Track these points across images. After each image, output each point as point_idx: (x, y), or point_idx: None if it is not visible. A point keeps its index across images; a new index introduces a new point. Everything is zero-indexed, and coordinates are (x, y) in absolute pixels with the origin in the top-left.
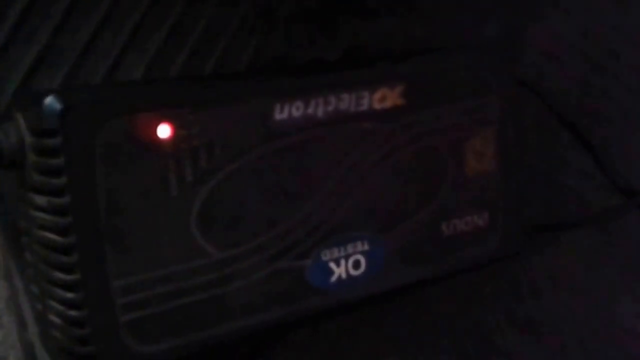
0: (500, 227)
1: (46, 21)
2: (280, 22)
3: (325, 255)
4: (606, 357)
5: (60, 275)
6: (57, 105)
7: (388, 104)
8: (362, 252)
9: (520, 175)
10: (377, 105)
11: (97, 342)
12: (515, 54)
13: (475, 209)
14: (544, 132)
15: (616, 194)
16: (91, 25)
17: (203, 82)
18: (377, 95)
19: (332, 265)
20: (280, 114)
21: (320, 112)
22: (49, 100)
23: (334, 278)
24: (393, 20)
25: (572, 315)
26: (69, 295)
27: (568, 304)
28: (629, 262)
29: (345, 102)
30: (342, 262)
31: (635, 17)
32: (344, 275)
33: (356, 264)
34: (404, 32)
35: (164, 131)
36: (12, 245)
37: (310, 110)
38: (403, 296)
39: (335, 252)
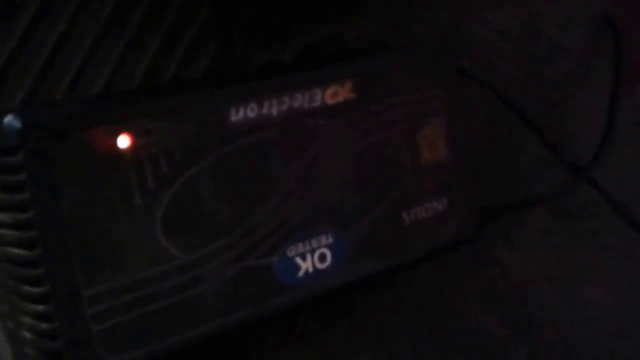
0: (458, 211)
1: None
2: (237, 29)
3: (291, 251)
4: (573, 328)
5: (29, 289)
6: (16, 124)
7: (340, 98)
8: (327, 246)
9: (472, 159)
10: (329, 101)
11: (70, 354)
12: (459, 47)
13: (433, 196)
14: (495, 121)
15: (567, 171)
16: (51, 42)
17: (159, 92)
18: (329, 91)
19: (299, 260)
20: (236, 116)
21: (274, 112)
22: (8, 119)
23: (301, 273)
24: (343, 22)
25: (539, 290)
26: (39, 307)
27: (534, 279)
28: (587, 236)
29: (299, 100)
30: (308, 256)
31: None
32: (310, 270)
33: (322, 257)
34: (354, 33)
35: (123, 141)
36: None
37: (264, 111)
38: (372, 286)
39: (301, 247)
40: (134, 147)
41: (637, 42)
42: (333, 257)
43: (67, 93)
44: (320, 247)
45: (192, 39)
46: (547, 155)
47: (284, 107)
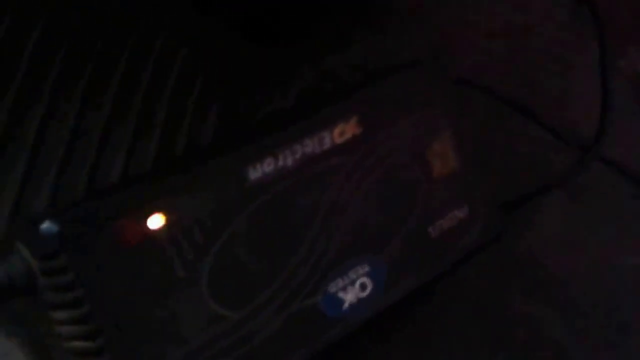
0: (480, 213)
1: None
2: (235, 86)
3: (332, 288)
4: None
5: None
6: (54, 228)
7: (348, 135)
8: (365, 274)
9: (482, 161)
10: (338, 140)
11: None
12: (447, 59)
13: (454, 205)
14: (494, 119)
15: (574, 152)
16: (63, 142)
17: (177, 167)
18: (336, 131)
19: (341, 294)
20: (255, 174)
21: (289, 162)
22: (46, 225)
23: (346, 305)
24: (333, 60)
25: (575, 268)
26: None
27: (567, 259)
28: (607, 209)
29: (310, 146)
30: (349, 288)
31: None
32: (354, 300)
33: (362, 287)
34: (344, 66)
35: (156, 222)
36: None
37: (280, 163)
38: (415, 301)
39: (340, 282)
40: (166, 225)
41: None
42: (372, 283)
43: (87, 188)
44: (358, 277)
45: (196, 105)
46: (552, 140)
47: (297, 156)
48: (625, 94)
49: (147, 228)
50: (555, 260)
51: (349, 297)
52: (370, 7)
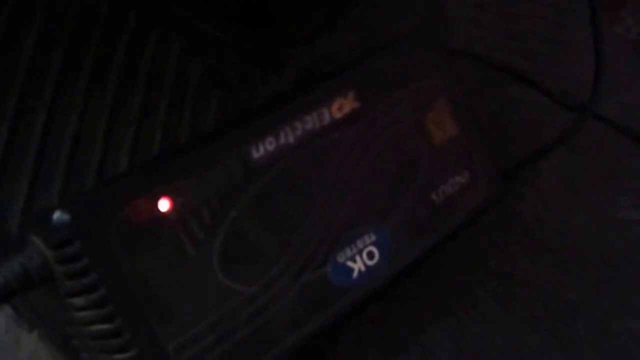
0: (481, 177)
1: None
2: (233, 73)
3: (341, 257)
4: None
5: (118, 356)
6: (66, 217)
7: (346, 110)
8: (372, 243)
9: (480, 126)
10: (337, 115)
11: None
12: (441, 29)
13: (455, 171)
14: (488, 86)
15: (570, 114)
16: (69, 134)
17: (182, 151)
18: (335, 106)
19: (350, 263)
20: (257, 153)
21: (291, 139)
22: (57, 215)
23: (355, 274)
24: (327, 39)
25: (575, 229)
26: None
27: (568, 220)
28: (606, 166)
29: (309, 122)
30: (357, 257)
31: None
32: (363, 269)
33: (370, 255)
34: (341, 44)
35: (164, 205)
36: (67, 355)
37: (282, 141)
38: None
39: (349, 252)
40: (175, 207)
41: None
42: (380, 252)
43: (97, 177)
44: (366, 246)
45: (195, 93)
46: (548, 104)
47: (298, 132)
48: (623, 56)
49: (157, 211)
50: (558, 218)
51: (357, 266)
52: None
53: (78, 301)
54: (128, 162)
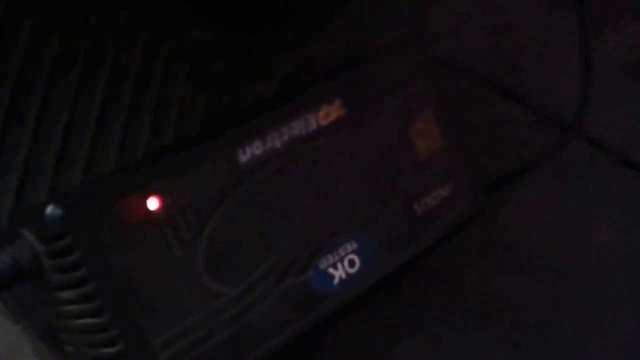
0: (463, 191)
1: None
2: (218, 77)
3: (323, 264)
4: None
5: (105, 351)
6: (58, 212)
7: (332, 117)
8: (353, 251)
9: (464, 140)
10: (323, 122)
11: None
12: (427, 40)
13: (438, 183)
14: (473, 99)
15: (554, 130)
16: (59, 134)
17: (171, 152)
18: (321, 113)
19: (331, 270)
20: (244, 156)
21: (277, 144)
22: (50, 209)
23: (336, 281)
24: (313, 45)
25: (553, 249)
26: None
27: (546, 239)
28: (583, 188)
29: (296, 128)
30: (339, 265)
31: None
32: (344, 276)
33: (351, 263)
34: (326, 50)
35: (153, 204)
36: (54, 349)
37: (268, 145)
38: (398, 279)
39: (331, 258)
40: (163, 207)
41: None
42: (361, 260)
43: (85, 173)
44: (347, 254)
45: (181, 96)
46: (533, 119)
47: (285, 138)
48: (609, 75)
49: (145, 209)
50: (537, 237)
51: (339, 273)
52: None
53: (67, 295)
54: (115, 159)
